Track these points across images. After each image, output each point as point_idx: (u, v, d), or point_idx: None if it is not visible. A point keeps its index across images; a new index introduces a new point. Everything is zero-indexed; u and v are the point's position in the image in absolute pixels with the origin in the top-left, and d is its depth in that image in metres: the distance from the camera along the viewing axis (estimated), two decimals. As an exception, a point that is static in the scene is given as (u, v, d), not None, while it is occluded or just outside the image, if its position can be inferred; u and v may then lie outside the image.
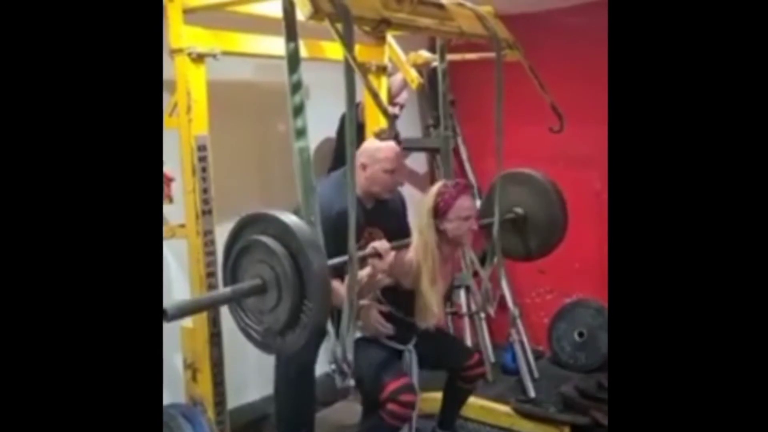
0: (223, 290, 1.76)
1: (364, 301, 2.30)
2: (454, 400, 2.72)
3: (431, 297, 2.26)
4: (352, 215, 1.79)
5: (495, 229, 2.58)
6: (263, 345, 1.75)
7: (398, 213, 2.68)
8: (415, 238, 2.31)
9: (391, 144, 2.50)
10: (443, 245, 2.34)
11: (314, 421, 2.84)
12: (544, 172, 2.80)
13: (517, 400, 3.24)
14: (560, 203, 2.73)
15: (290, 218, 1.66)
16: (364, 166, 2.48)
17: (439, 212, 2.29)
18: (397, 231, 2.43)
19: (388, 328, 2.35)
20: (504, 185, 2.63)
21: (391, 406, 2.25)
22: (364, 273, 2.14)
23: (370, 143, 2.58)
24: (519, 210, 2.76)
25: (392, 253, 2.14)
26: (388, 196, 2.58)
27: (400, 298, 2.33)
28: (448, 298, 2.55)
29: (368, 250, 2.10)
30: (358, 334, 2.36)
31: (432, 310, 2.28)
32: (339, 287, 1.95)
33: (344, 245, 1.81)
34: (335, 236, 1.89)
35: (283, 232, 1.65)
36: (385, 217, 2.57)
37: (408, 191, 3.08)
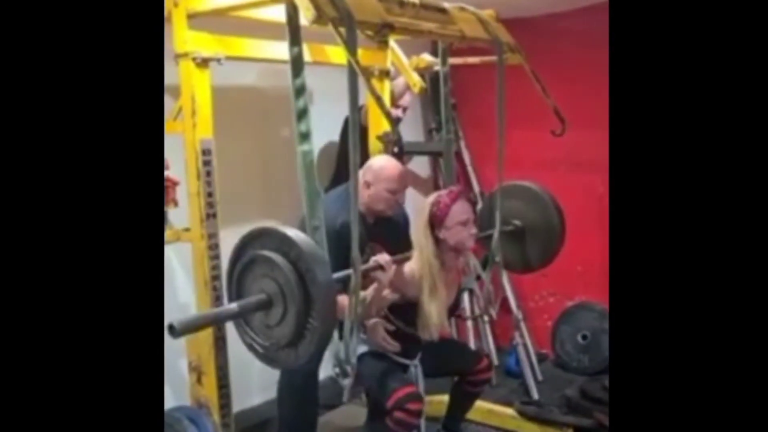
0: (229, 306, 1.75)
1: (372, 320, 2.31)
2: (460, 404, 2.73)
3: (431, 308, 2.26)
4: (354, 223, 1.81)
5: (495, 233, 2.59)
6: (271, 360, 1.74)
7: (400, 228, 2.67)
8: (414, 251, 2.31)
9: (395, 163, 2.51)
10: (444, 254, 2.32)
11: (317, 425, 2.85)
12: (541, 184, 2.80)
13: (521, 403, 3.24)
14: (558, 214, 2.74)
15: (291, 231, 1.66)
16: (368, 184, 2.48)
17: (436, 222, 2.29)
18: (399, 246, 2.41)
19: (394, 346, 2.34)
20: (502, 197, 2.63)
21: (398, 414, 2.24)
22: (369, 290, 2.15)
23: (376, 161, 2.57)
24: (517, 222, 2.77)
25: (394, 266, 2.14)
26: (390, 213, 2.60)
27: (406, 312, 2.33)
28: (455, 308, 2.54)
29: (370, 263, 2.11)
30: (364, 348, 2.37)
31: (432, 322, 2.27)
32: (344, 301, 1.94)
33: (348, 258, 1.83)
34: (339, 249, 1.92)
35: (284, 245, 1.64)
36: (387, 232, 2.58)
37: (410, 193, 3.09)
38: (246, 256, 1.72)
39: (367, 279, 2.15)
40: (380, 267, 2.10)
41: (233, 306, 1.72)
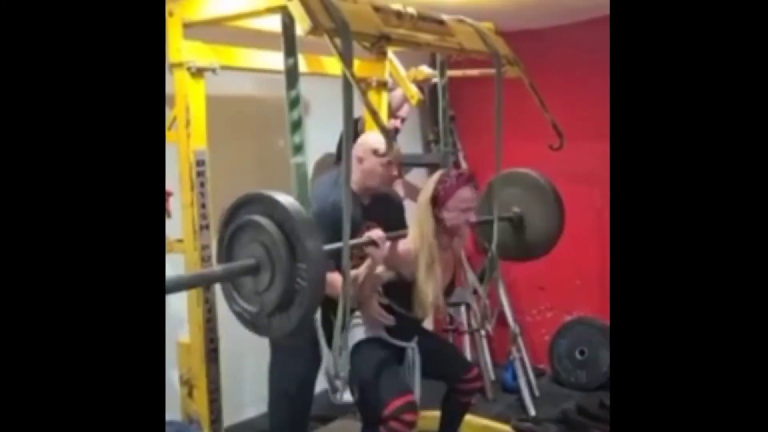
0: (215, 268, 1.73)
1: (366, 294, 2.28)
2: (451, 416, 2.68)
3: (428, 286, 2.22)
4: (346, 233, 1.78)
5: (493, 245, 2.57)
6: (256, 327, 1.71)
7: (395, 209, 2.65)
8: (412, 227, 2.29)
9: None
10: (440, 234, 2.30)
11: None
12: (541, 171, 2.76)
13: (518, 419, 3.22)
14: (557, 201, 2.69)
15: (285, 198, 1.64)
16: (360, 160, 2.44)
17: (438, 201, 2.27)
18: (394, 227, 2.37)
19: (389, 319, 2.30)
20: (501, 185, 2.61)
21: (393, 424, 2.21)
22: (362, 267, 2.12)
23: (363, 136, 2.55)
24: (516, 209, 2.73)
25: (388, 242, 2.12)
26: (384, 189, 2.57)
27: (400, 292, 2.29)
28: (451, 290, 2.51)
29: (363, 239, 2.08)
30: (362, 335, 2.33)
31: (429, 300, 2.23)
32: (337, 279, 1.92)
33: (340, 238, 1.81)
34: (331, 228, 1.89)
35: (271, 209, 1.63)
36: (382, 212, 2.54)
37: (408, 205, 3.07)
38: (234, 223, 1.70)
39: (359, 254, 2.13)
40: (373, 243, 2.07)
41: (218, 269, 1.70)
